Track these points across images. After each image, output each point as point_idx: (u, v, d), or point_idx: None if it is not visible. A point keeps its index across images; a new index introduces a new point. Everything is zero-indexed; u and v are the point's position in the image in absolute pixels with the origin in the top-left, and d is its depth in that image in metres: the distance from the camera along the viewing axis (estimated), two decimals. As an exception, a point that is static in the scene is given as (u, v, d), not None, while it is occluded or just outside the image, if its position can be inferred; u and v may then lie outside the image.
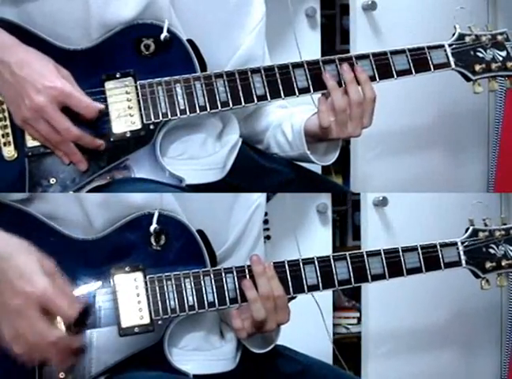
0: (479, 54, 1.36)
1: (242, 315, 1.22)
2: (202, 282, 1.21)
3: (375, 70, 1.31)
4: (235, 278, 1.22)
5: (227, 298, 1.22)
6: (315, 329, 1.91)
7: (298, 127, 1.37)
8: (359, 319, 2.18)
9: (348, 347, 2.16)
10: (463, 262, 1.32)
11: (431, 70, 1.34)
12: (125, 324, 1.19)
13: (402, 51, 1.32)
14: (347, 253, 1.27)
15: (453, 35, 1.36)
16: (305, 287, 1.25)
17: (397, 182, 2.14)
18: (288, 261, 1.25)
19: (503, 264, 1.33)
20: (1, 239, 1.13)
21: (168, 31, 1.23)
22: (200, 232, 1.23)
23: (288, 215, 1.73)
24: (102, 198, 1.20)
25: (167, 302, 1.20)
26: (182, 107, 1.24)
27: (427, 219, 2.10)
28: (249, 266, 1.23)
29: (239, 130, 1.39)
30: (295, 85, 1.28)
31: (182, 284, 1.21)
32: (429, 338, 2.14)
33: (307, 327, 1.85)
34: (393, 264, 1.28)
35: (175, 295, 1.20)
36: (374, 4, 2.06)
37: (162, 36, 1.23)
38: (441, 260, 1.31)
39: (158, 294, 1.20)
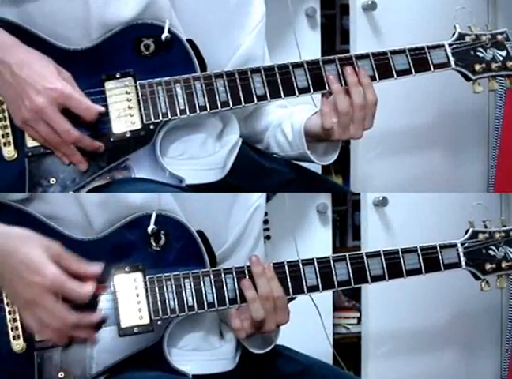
0: (479, 53, 1.36)
1: (242, 315, 1.22)
2: (202, 282, 1.21)
3: (375, 70, 1.31)
4: (235, 278, 1.22)
5: (226, 299, 1.22)
6: (315, 329, 1.91)
7: (298, 127, 1.37)
8: (359, 319, 2.18)
9: (348, 347, 2.16)
10: (463, 264, 1.32)
11: (431, 70, 1.34)
12: (124, 324, 1.19)
13: (402, 51, 1.32)
14: (346, 254, 1.27)
15: (453, 34, 1.36)
16: (304, 287, 1.24)
17: (397, 182, 2.14)
18: (288, 262, 1.25)
19: (503, 265, 1.33)
20: (3, 234, 1.15)
21: (168, 31, 1.23)
22: (200, 233, 1.23)
23: (288, 215, 1.72)
24: (101, 198, 1.20)
25: (167, 302, 1.20)
26: (182, 107, 1.23)
27: (427, 219, 2.10)
28: (248, 267, 1.22)
29: (239, 130, 1.39)
30: (295, 85, 1.28)
31: (182, 285, 1.21)
32: (429, 338, 2.14)
33: (307, 327, 1.85)
34: (393, 266, 1.28)
35: (175, 296, 1.20)
36: (374, 4, 2.05)
37: (163, 36, 1.23)
38: (441, 261, 1.30)
39: (157, 295, 1.20)
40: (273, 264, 1.24)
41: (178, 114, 1.23)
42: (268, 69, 1.27)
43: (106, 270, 1.20)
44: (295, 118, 1.39)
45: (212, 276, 1.22)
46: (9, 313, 1.18)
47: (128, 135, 1.23)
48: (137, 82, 1.23)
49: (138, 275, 1.21)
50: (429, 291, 2.07)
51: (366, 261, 1.27)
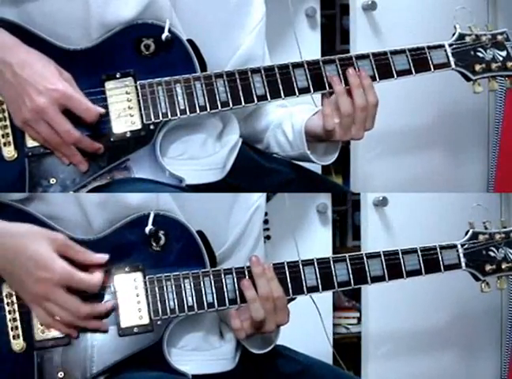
0: (479, 53, 1.36)
1: (242, 315, 1.22)
2: (202, 282, 1.21)
3: (375, 70, 1.31)
4: (235, 279, 1.22)
5: (226, 299, 1.22)
6: (315, 329, 1.90)
7: (298, 127, 1.37)
8: (359, 319, 2.18)
9: (348, 347, 2.16)
10: (463, 265, 1.32)
11: (431, 70, 1.34)
12: (124, 324, 1.19)
13: (402, 51, 1.32)
14: (346, 255, 1.27)
15: (454, 35, 1.36)
16: (304, 288, 1.24)
17: (397, 182, 2.14)
18: (288, 263, 1.25)
19: (503, 266, 1.33)
20: (9, 232, 1.16)
21: (169, 31, 1.23)
22: (199, 233, 1.23)
23: (288, 215, 1.72)
24: (100, 198, 1.20)
25: (167, 302, 1.20)
26: (182, 107, 1.23)
27: (427, 219, 2.10)
28: (248, 267, 1.22)
29: (239, 130, 1.39)
30: (295, 85, 1.28)
31: (182, 285, 1.21)
32: (429, 339, 2.14)
33: (307, 327, 1.85)
34: (393, 266, 1.28)
35: (175, 296, 1.20)
36: (374, 4, 2.05)
37: (163, 36, 1.23)
38: (441, 262, 1.30)
39: (157, 295, 1.20)
40: (273, 264, 1.24)
41: (179, 114, 1.23)
42: (268, 69, 1.27)
43: (106, 270, 1.20)
44: (295, 118, 1.39)
45: (212, 277, 1.22)
46: (9, 313, 1.18)
47: (128, 135, 1.23)
48: (138, 82, 1.23)
49: (138, 276, 1.21)
50: (429, 292, 2.07)
51: (366, 262, 1.27)
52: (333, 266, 1.26)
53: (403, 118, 2.12)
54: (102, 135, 1.22)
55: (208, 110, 1.24)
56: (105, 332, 1.18)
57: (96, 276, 1.17)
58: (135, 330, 1.19)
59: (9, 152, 1.21)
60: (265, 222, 1.95)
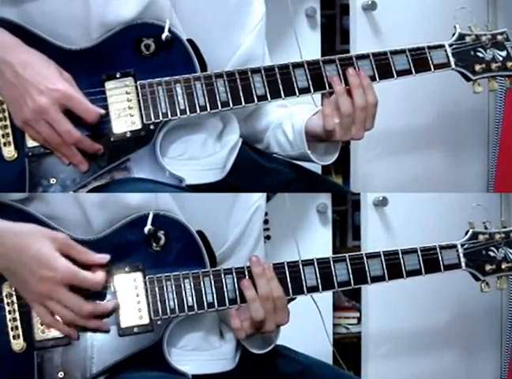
0: (479, 53, 1.36)
1: (242, 315, 1.22)
2: (202, 282, 1.21)
3: (375, 70, 1.31)
4: (235, 279, 1.22)
5: (226, 299, 1.22)
6: (315, 329, 1.91)
7: (299, 127, 1.37)
8: (359, 319, 2.18)
9: (348, 347, 2.16)
10: (463, 264, 1.32)
11: (431, 70, 1.34)
12: (124, 324, 1.19)
13: (402, 51, 1.32)
14: (346, 255, 1.27)
15: (454, 35, 1.36)
16: (304, 288, 1.24)
17: (397, 182, 2.14)
18: (288, 262, 1.25)
19: (503, 266, 1.33)
20: (12, 231, 1.17)
21: (169, 30, 1.23)
22: (199, 233, 1.23)
23: (288, 215, 1.72)
24: (100, 198, 1.20)
25: (167, 302, 1.20)
26: (182, 107, 1.23)
27: (427, 219, 2.10)
28: (248, 267, 1.22)
29: (239, 130, 1.39)
30: (295, 85, 1.28)
31: (182, 285, 1.21)
32: (429, 339, 2.14)
33: (307, 327, 1.85)
34: (393, 266, 1.28)
35: (175, 296, 1.20)
36: (374, 4, 2.06)
37: (163, 36, 1.23)
38: (440, 262, 1.30)
39: (157, 295, 1.20)
40: (273, 264, 1.24)
41: (179, 114, 1.23)
42: (268, 69, 1.27)
43: (106, 270, 1.20)
44: (295, 118, 1.39)
45: (212, 276, 1.22)
46: (9, 313, 1.18)
47: (128, 135, 1.23)
48: (138, 82, 1.23)
49: (138, 276, 1.21)
50: (429, 292, 2.07)
51: (366, 262, 1.27)
52: (332, 266, 1.26)
53: (403, 118, 2.12)
54: (102, 135, 1.22)
55: (209, 110, 1.24)
56: (107, 331, 1.19)
57: (99, 275, 1.18)
58: (135, 330, 1.19)
59: (9, 152, 1.21)
60: (265, 222, 1.96)
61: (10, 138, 1.21)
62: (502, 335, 2.24)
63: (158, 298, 1.20)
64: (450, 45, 1.35)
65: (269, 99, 1.27)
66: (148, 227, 1.20)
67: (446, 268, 1.31)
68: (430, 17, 2.08)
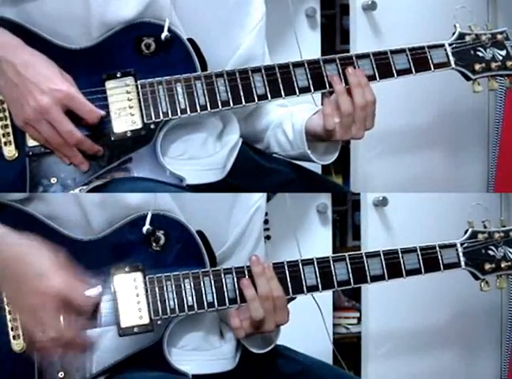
0: (479, 53, 1.36)
1: (241, 315, 1.22)
2: (202, 282, 1.21)
3: (375, 70, 1.31)
4: (235, 278, 1.22)
5: (226, 299, 1.22)
6: (315, 329, 1.90)
7: (299, 126, 1.37)
8: (359, 319, 2.18)
9: (348, 347, 2.16)
10: (462, 264, 1.32)
11: (431, 69, 1.34)
12: (124, 324, 1.19)
13: (402, 51, 1.32)
14: (346, 254, 1.27)
15: (453, 34, 1.36)
16: (304, 287, 1.24)
17: (397, 182, 2.14)
18: (288, 262, 1.25)
19: (503, 265, 1.33)
20: (14, 241, 1.15)
21: (169, 30, 1.23)
22: (199, 233, 1.23)
23: (288, 215, 1.72)
24: (100, 198, 1.20)
25: (167, 302, 1.20)
26: (182, 107, 1.23)
27: (426, 219, 2.10)
28: (248, 267, 1.22)
29: (239, 130, 1.39)
30: (295, 84, 1.28)
31: (182, 284, 1.20)
32: (429, 338, 2.14)
33: (307, 327, 1.85)
34: (393, 266, 1.28)
35: (175, 295, 1.20)
36: (374, 4, 2.06)
37: (163, 35, 1.23)
38: (440, 261, 1.30)
39: (157, 295, 1.20)
40: (273, 264, 1.24)
41: (179, 114, 1.23)
42: (268, 69, 1.27)
43: (106, 270, 1.20)
44: (295, 118, 1.39)
45: (211, 276, 1.22)
46: (9, 313, 1.18)
47: (129, 134, 1.22)
48: (138, 81, 1.23)
49: (138, 275, 1.21)
50: (429, 291, 2.07)
51: (365, 261, 1.27)
52: (332, 265, 1.26)
53: (403, 117, 2.12)
54: (102, 134, 1.22)
55: (209, 109, 1.24)
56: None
57: (87, 302, 1.15)
58: (135, 330, 1.19)
59: (10, 152, 1.21)
60: (265, 222, 1.96)
61: (11, 137, 1.21)
62: (502, 335, 2.24)
63: (158, 297, 1.20)
64: (450, 44, 1.35)
65: (270, 98, 1.27)
66: (146, 227, 1.20)
67: (446, 267, 1.31)
68: (430, 17, 2.08)
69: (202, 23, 1.28)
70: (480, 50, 1.35)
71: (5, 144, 1.21)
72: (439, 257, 1.30)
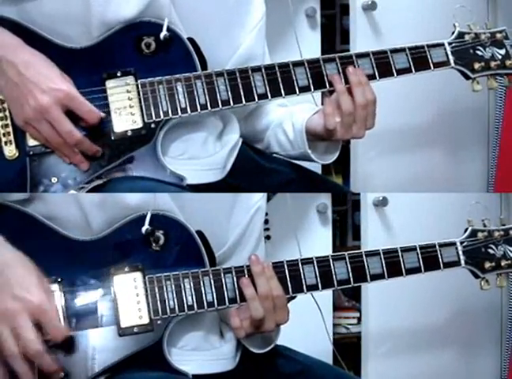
0: (478, 52, 1.36)
1: (241, 314, 1.22)
2: (201, 282, 1.21)
3: (375, 69, 1.31)
4: (234, 278, 1.22)
5: (226, 298, 1.22)
6: (315, 329, 1.90)
7: (299, 126, 1.37)
8: (359, 319, 2.18)
9: (348, 347, 2.16)
10: (462, 262, 1.32)
11: (431, 69, 1.34)
12: (124, 324, 1.19)
13: (402, 50, 1.32)
14: (346, 253, 1.27)
15: (453, 33, 1.36)
16: (304, 286, 1.24)
17: (397, 182, 2.14)
18: (287, 261, 1.24)
19: (503, 264, 1.33)
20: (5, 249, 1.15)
21: (169, 29, 1.23)
22: (199, 233, 1.23)
23: (288, 215, 1.72)
24: (99, 198, 1.20)
25: (167, 301, 1.20)
26: (183, 106, 1.23)
27: (426, 219, 2.10)
28: (248, 266, 1.22)
29: (240, 130, 1.39)
30: (295, 84, 1.28)
31: (182, 284, 1.20)
32: (429, 338, 2.14)
33: (307, 327, 1.85)
34: (392, 264, 1.28)
35: (174, 295, 1.20)
36: (374, 4, 2.06)
37: (161, 35, 1.23)
38: (440, 260, 1.30)
39: (157, 294, 1.20)
40: (273, 263, 1.24)
41: (180, 113, 1.23)
42: (269, 68, 1.27)
43: (105, 270, 1.20)
44: (296, 117, 1.39)
45: (211, 276, 1.22)
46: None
47: (129, 134, 1.23)
48: (138, 81, 1.23)
49: (138, 275, 1.20)
50: (429, 290, 2.07)
51: (365, 260, 1.27)
52: (332, 264, 1.26)
53: (403, 117, 2.12)
54: (103, 134, 1.22)
55: (209, 108, 1.24)
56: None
57: (63, 327, 1.15)
58: (135, 330, 1.19)
59: (10, 151, 1.21)
60: (266, 222, 1.96)
61: (11, 137, 1.21)
62: (502, 333, 2.24)
63: (158, 297, 1.20)
64: (450, 43, 1.35)
65: (270, 97, 1.27)
66: (145, 227, 1.20)
67: (446, 265, 1.31)
68: (430, 17, 2.08)
69: (202, 22, 1.28)
70: (479, 49, 1.35)
71: (6, 143, 1.21)
72: (439, 256, 1.30)
